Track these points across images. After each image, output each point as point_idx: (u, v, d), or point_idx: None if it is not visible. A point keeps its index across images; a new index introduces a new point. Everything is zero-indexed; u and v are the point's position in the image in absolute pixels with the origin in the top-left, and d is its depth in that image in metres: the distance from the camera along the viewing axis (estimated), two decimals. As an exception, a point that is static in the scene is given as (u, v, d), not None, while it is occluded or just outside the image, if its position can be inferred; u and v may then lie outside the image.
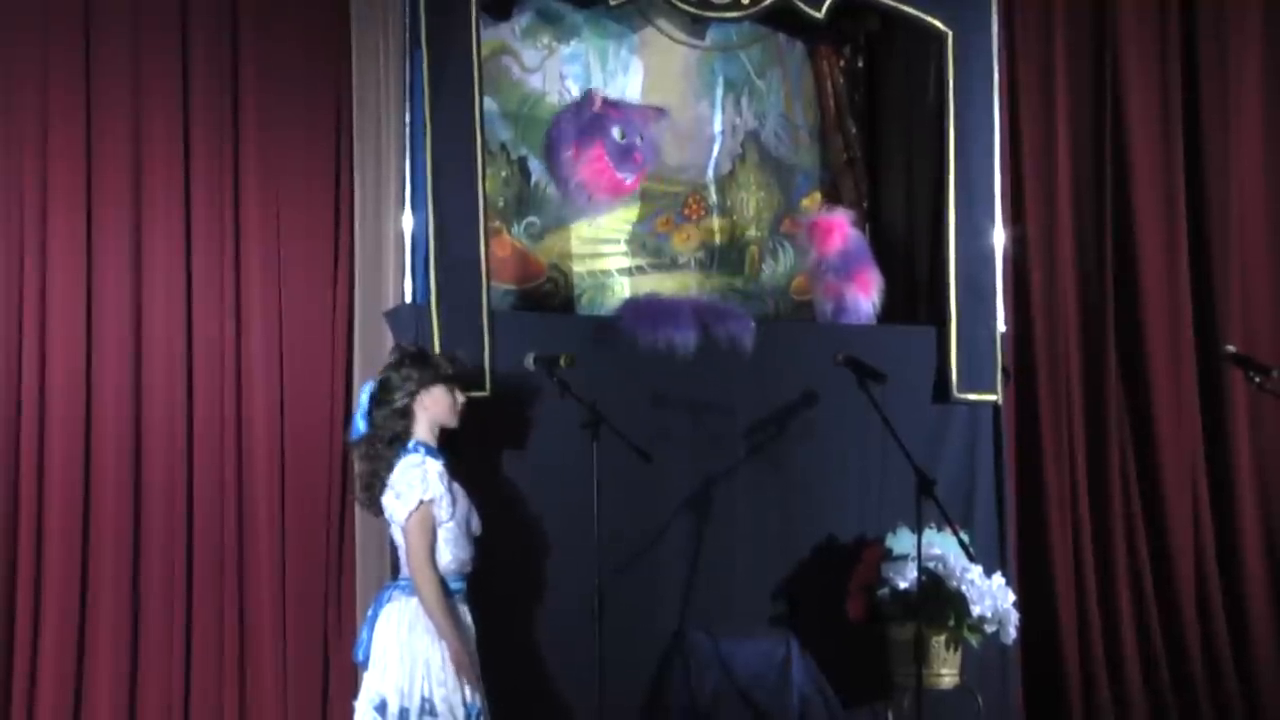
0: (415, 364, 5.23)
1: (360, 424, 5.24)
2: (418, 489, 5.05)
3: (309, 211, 6.22)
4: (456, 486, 5.17)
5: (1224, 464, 7.36)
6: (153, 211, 6.07)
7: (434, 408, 5.21)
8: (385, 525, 5.94)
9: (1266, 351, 7.04)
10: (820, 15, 6.47)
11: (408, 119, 5.98)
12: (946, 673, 6.06)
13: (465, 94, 5.93)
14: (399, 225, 6.00)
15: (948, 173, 6.56)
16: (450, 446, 5.31)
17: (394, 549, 5.24)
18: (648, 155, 6.41)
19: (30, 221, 5.95)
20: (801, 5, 6.44)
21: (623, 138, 6.32)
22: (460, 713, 5.01)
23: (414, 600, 5.05)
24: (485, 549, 5.56)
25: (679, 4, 6.38)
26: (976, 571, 6.00)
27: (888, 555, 6.10)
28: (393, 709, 5.00)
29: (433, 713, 4.98)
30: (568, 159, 6.30)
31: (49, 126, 5.98)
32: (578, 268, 6.55)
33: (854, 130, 6.95)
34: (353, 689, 6.08)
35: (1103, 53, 7.31)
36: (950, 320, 6.53)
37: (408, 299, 5.96)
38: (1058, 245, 7.19)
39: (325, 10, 6.23)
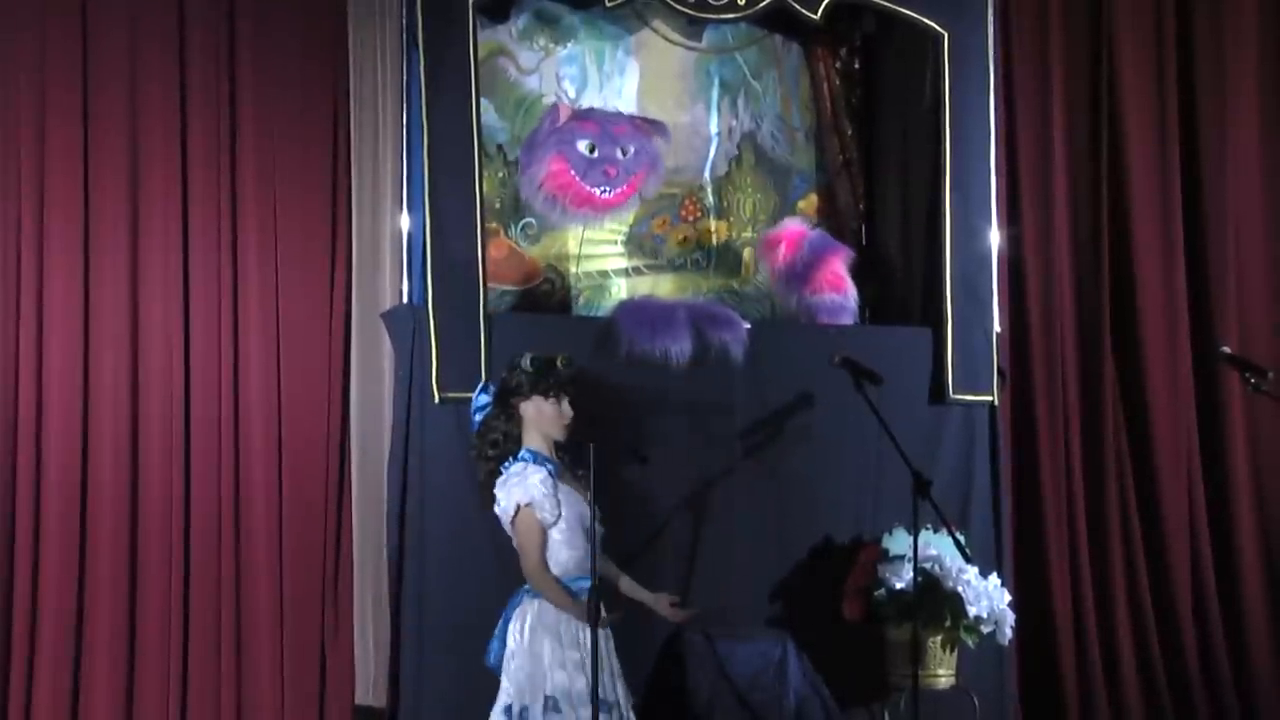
0: (527, 373, 5.29)
1: (475, 419, 5.35)
2: (515, 494, 5.13)
3: (306, 212, 6.22)
4: (566, 489, 5.19)
5: (1220, 464, 7.36)
6: (150, 210, 6.07)
7: (538, 418, 5.25)
8: (382, 529, 5.98)
9: (1262, 353, 7.05)
10: (816, 17, 6.47)
11: (405, 120, 6.00)
12: (943, 673, 6.06)
13: (462, 95, 5.94)
14: (396, 226, 6.02)
15: (944, 174, 6.56)
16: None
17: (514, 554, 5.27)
18: (635, 169, 6.35)
19: (27, 222, 5.95)
20: (797, 7, 6.45)
21: (592, 151, 6.28)
22: (585, 708, 5.04)
23: (536, 602, 5.12)
24: (479, 550, 5.57)
25: (675, 5, 6.38)
26: (973, 572, 6.00)
27: (884, 556, 6.10)
28: (515, 709, 5.08)
29: (556, 709, 5.05)
30: (529, 176, 6.27)
31: (46, 126, 5.98)
32: (574, 269, 6.56)
33: (850, 131, 6.95)
34: (349, 693, 6.10)
35: (1099, 53, 7.30)
36: (946, 321, 6.53)
37: (405, 300, 5.97)
38: (1054, 246, 7.19)
39: (323, 11, 6.23)
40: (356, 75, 6.18)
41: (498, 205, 6.41)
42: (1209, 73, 7.42)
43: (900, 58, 6.83)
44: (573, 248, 6.53)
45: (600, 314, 6.42)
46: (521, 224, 6.47)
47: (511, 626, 5.14)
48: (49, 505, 5.93)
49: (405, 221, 5.97)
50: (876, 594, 6.02)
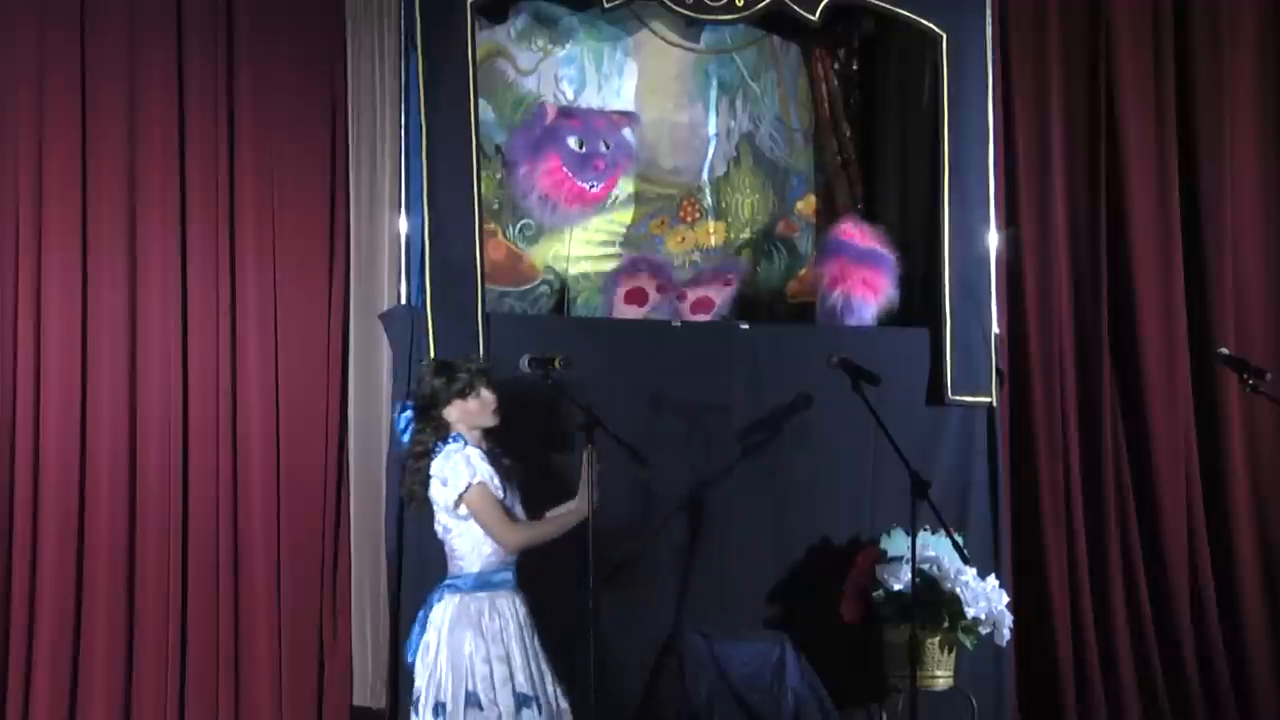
0: (440, 376, 5.24)
1: (402, 438, 5.30)
2: (464, 473, 5.10)
3: (305, 213, 6.21)
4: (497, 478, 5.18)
5: (1217, 465, 7.35)
6: (148, 210, 6.06)
7: (466, 417, 5.21)
8: (380, 530, 5.98)
9: (1260, 354, 7.05)
10: (814, 18, 6.48)
11: (403, 121, 6.00)
12: (941, 674, 6.07)
13: (460, 96, 5.95)
14: (394, 227, 6.02)
15: (942, 175, 6.57)
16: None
17: (440, 545, 5.21)
18: (617, 161, 6.36)
19: (26, 222, 5.95)
20: (795, 8, 6.45)
21: (581, 146, 6.29)
22: (509, 703, 5.04)
23: (458, 597, 5.10)
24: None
25: (673, 6, 6.38)
26: (971, 573, 6.01)
27: (882, 557, 6.10)
28: (430, 703, 5.08)
29: (478, 705, 5.03)
30: (523, 174, 6.28)
31: (45, 127, 5.97)
32: (572, 269, 6.56)
33: (849, 133, 6.96)
34: (347, 694, 6.10)
35: (1097, 55, 7.30)
36: (945, 322, 6.54)
37: (403, 301, 5.97)
38: (1052, 247, 7.18)
39: (321, 13, 6.22)
40: (355, 76, 6.17)
41: (496, 206, 6.41)
42: (1207, 73, 7.42)
43: (899, 59, 6.84)
44: (570, 248, 6.52)
45: (597, 315, 6.42)
46: (519, 225, 6.47)
47: (431, 620, 5.13)
48: (47, 506, 5.92)
49: (403, 222, 5.97)
50: (875, 595, 6.02)
